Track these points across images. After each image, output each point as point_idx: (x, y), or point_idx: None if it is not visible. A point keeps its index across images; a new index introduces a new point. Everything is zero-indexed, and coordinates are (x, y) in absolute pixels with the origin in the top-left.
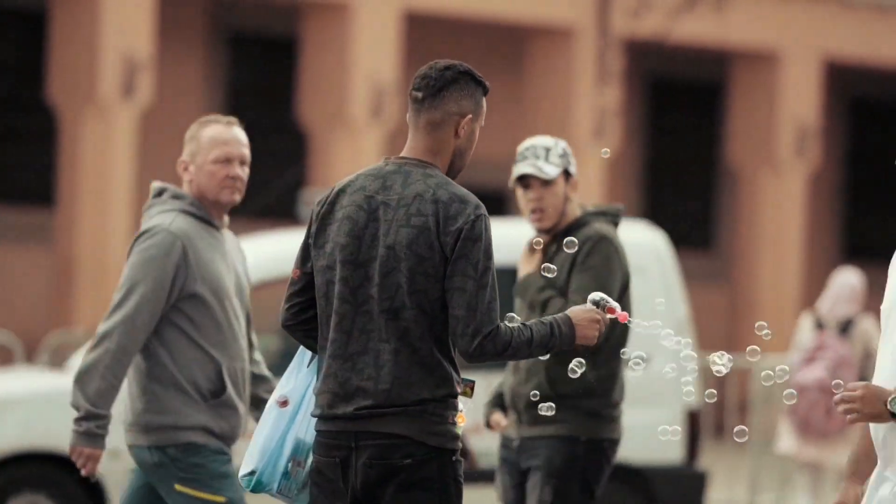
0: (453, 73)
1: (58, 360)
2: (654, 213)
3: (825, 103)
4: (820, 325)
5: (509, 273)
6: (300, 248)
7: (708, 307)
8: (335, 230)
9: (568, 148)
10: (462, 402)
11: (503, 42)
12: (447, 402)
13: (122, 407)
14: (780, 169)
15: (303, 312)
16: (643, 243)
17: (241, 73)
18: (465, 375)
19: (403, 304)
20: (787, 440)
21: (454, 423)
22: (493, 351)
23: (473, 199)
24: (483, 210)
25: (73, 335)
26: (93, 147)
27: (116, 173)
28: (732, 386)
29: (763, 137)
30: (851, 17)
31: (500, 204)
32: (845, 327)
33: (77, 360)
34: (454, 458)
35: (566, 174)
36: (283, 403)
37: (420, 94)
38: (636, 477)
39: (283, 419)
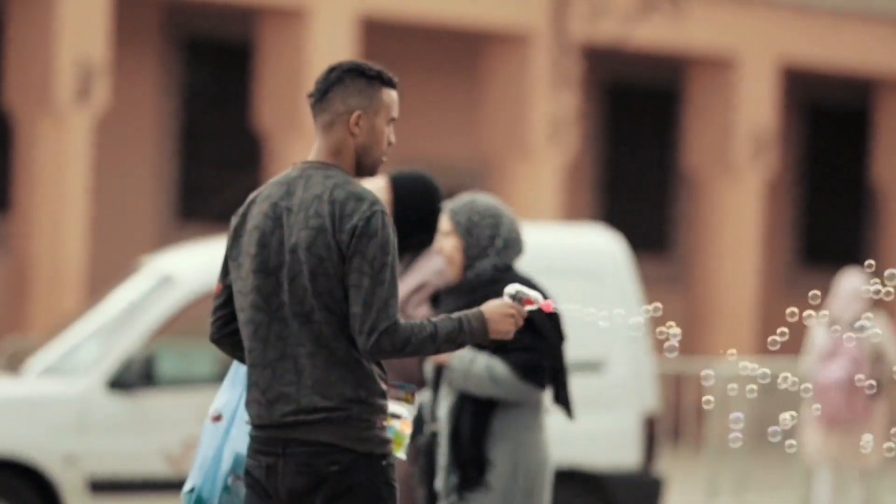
0: (338, 73)
1: (13, 365)
2: (612, 218)
3: (782, 109)
4: (833, 327)
5: None
6: (222, 263)
7: (665, 311)
8: (246, 241)
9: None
10: (405, 408)
11: (459, 47)
12: (374, 405)
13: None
14: (738, 174)
15: (227, 325)
16: (601, 248)
17: (197, 78)
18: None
19: (312, 306)
20: (811, 438)
21: (383, 428)
22: (392, 348)
23: (371, 195)
24: (380, 206)
25: (29, 340)
26: (48, 152)
27: (72, 178)
28: (689, 391)
29: (720, 143)
30: (808, 22)
31: None
32: (857, 326)
33: (33, 365)
34: (385, 463)
35: None
36: (217, 418)
37: (311, 100)
38: (593, 482)
39: (217, 434)
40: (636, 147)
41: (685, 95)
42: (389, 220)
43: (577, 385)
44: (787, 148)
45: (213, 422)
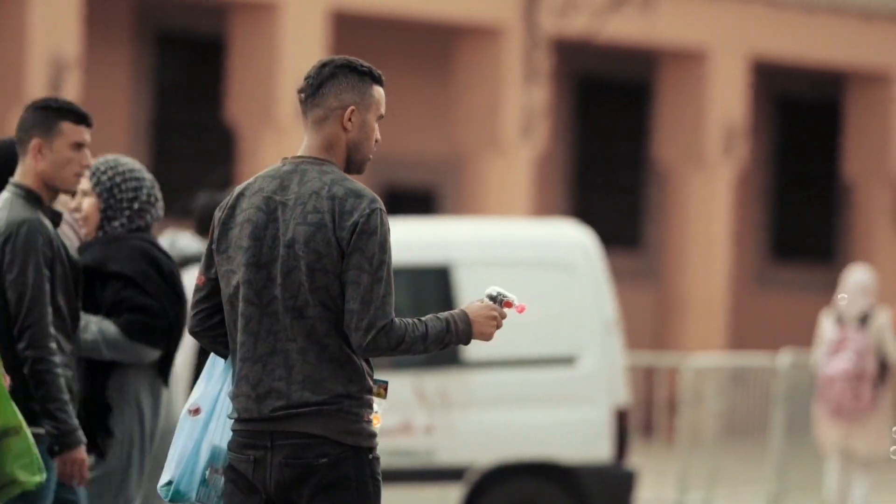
0: (330, 69)
1: None
2: (583, 212)
3: (753, 102)
4: (840, 320)
5: (437, 272)
6: (204, 254)
7: (636, 305)
8: (237, 234)
9: None
10: (377, 403)
11: (431, 41)
12: (362, 399)
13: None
14: (708, 167)
15: (209, 318)
16: (572, 242)
17: (169, 72)
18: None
19: (307, 301)
20: (820, 429)
21: (370, 422)
22: (387, 345)
23: (369, 193)
24: (379, 204)
25: None
26: None
27: None
28: (661, 385)
29: (691, 136)
30: (779, 16)
31: (428, 202)
32: (863, 320)
33: None
34: (371, 456)
35: None
36: (196, 412)
37: (303, 95)
38: (565, 476)
39: (196, 427)
40: (607, 141)
41: (656, 89)
42: (387, 218)
43: (549, 379)
44: (757, 141)
45: (191, 415)
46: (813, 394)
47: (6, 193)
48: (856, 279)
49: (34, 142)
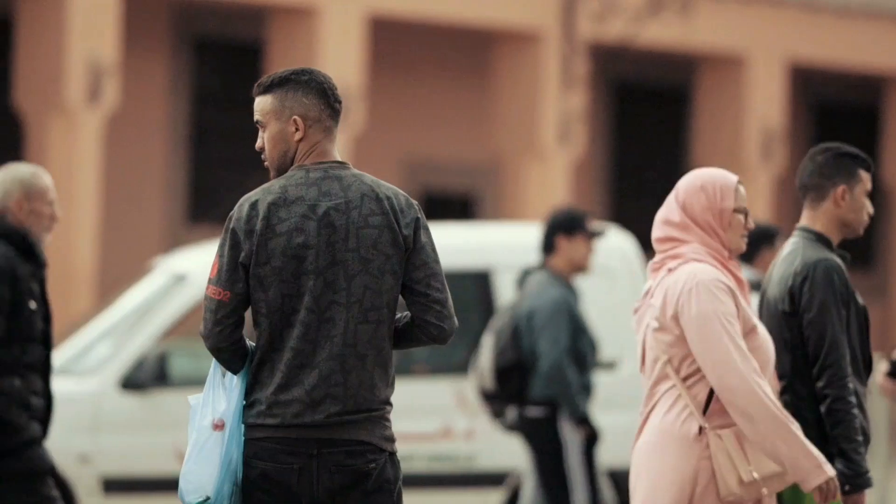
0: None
1: None
2: (621, 217)
3: (791, 107)
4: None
5: (476, 277)
6: (225, 270)
7: None
8: (283, 243)
9: None
10: None
11: (469, 46)
12: (392, 406)
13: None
14: (747, 172)
15: (233, 334)
16: (611, 247)
17: (207, 78)
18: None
19: (372, 305)
20: None
21: None
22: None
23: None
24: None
25: None
26: (59, 152)
27: (82, 178)
28: None
29: (729, 141)
30: (816, 20)
31: (466, 207)
32: None
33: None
34: (399, 462)
35: None
36: (220, 426)
37: (339, 106)
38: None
39: (221, 441)
40: (645, 146)
41: (694, 94)
42: None
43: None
44: (795, 146)
45: (216, 430)
46: None
47: (795, 237)
48: None
49: (839, 188)
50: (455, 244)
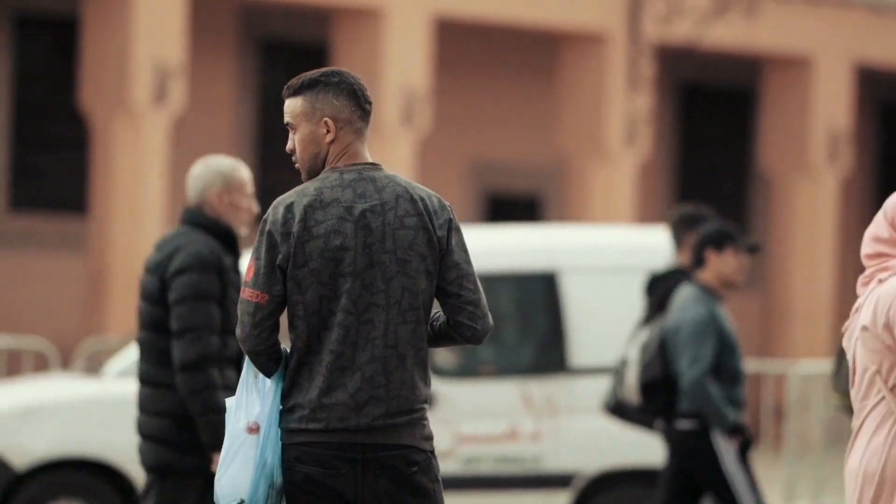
0: None
1: (93, 367)
2: None
3: (857, 108)
4: None
5: (542, 279)
6: (262, 273)
7: (742, 312)
8: (320, 245)
9: None
10: None
11: (535, 48)
12: (429, 402)
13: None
14: (813, 174)
15: (270, 337)
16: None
17: (273, 79)
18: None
19: (409, 305)
20: None
21: None
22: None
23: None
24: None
25: (108, 342)
26: (125, 154)
27: (149, 180)
28: (768, 392)
29: (795, 143)
30: (882, 22)
31: (532, 209)
32: None
33: (112, 367)
34: (437, 461)
35: None
36: (255, 429)
37: (369, 106)
38: None
39: (255, 445)
40: (711, 148)
41: (760, 96)
42: None
43: None
44: (861, 148)
45: (250, 433)
46: None
47: None
48: None
49: None
50: (521, 246)
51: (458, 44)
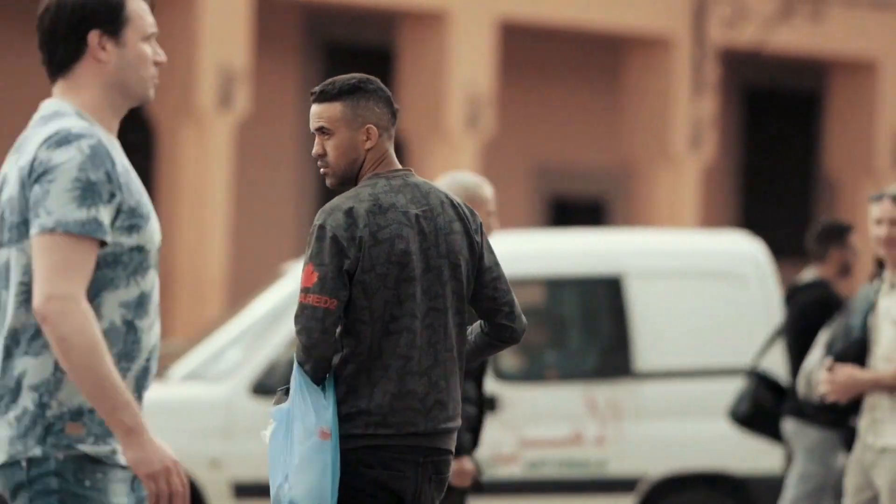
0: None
1: (159, 370)
2: (752, 223)
3: None
4: None
5: (608, 283)
6: (329, 277)
7: None
8: (386, 250)
9: None
10: None
11: (600, 52)
12: None
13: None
14: (878, 178)
15: (337, 342)
16: (742, 253)
17: None
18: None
19: (458, 309)
20: None
21: None
22: None
23: None
24: None
25: (173, 345)
26: (190, 158)
27: (213, 184)
28: None
29: (861, 146)
30: None
31: (597, 213)
32: None
33: (178, 370)
34: None
35: None
36: (326, 434)
37: (397, 114)
38: (737, 487)
39: (327, 450)
40: (776, 152)
41: (825, 99)
42: None
43: (720, 390)
44: None
45: (322, 438)
46: None
47: None
48: None
49: None
50: (586, 250)
51: (522, 47)
